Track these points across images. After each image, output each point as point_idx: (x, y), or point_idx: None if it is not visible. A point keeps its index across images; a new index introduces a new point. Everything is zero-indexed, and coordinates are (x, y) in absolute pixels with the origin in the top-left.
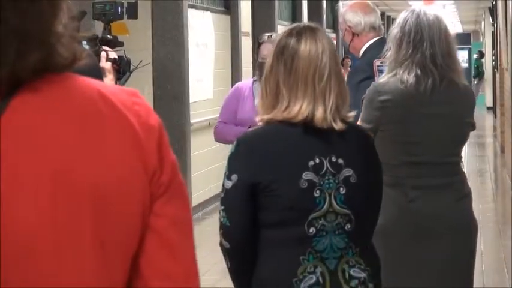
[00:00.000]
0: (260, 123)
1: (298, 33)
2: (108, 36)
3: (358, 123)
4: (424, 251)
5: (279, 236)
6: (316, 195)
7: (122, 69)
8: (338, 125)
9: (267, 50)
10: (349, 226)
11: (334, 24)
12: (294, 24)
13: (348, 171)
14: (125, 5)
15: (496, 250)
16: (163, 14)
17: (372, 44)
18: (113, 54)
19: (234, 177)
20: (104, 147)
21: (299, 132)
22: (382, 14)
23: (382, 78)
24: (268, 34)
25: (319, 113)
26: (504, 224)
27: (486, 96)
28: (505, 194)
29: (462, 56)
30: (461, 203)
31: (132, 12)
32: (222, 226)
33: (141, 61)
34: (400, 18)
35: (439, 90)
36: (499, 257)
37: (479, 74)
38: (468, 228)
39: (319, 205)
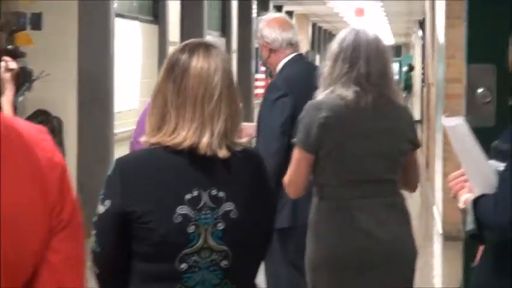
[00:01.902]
0: (145, 145)
1: (191, 49)
2: (9, 46)
3: (296, 143)
4: (369, 278)
5: (149, 270)
6: (190, 230)
7: (23, 79)
8: (223, 153)
9: None
10: (225, 263)
11: None
12: (189, 40)
13: (228, 206)
14: (29, 15)
15: (419, 266)
16: (89, 23)
17: (289, 60)
18: (13, 65)
19: (108, 202)
20: (3, 176)
21: (181, 161)
22: (314, 25)
23: (318, 96)
24: None
25: (205, 139)
26: (425, 240)
27: (415, 109)
28: (428, 209)
29: (393, 68)
30: (406, 227)
31: (36, 23)
32: (92, 251)
33: (42, 71)
34: (340, 35)
35: (379, 106)
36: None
37: (408, 88)
38: (411, 256)
39: (193, 241)
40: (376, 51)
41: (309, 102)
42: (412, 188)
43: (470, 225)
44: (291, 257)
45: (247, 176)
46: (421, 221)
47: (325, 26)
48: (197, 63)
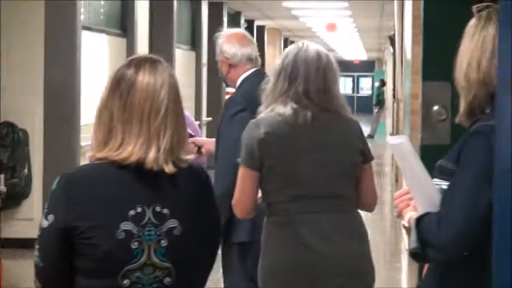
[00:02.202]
0: (92, 161)
1: (137, 64)
2: None
3: (239, 162)
4: None
5: (92, 285)
6: (133, 247)
7: None
8: (169, 168)
9: None
10: (168, 280)
11: None
12: (135, 55)
13: (172, 223)
14: None
15: (386, 281)
16: (56, 35)
17: (248, 75)
18: None
19: (51, 217)
20: None
21: (126, 177)
22: (286, 40)
23: (260, 114)
24: None
25: (151, 154)
26: (392, 255)
27: (387, 124)
28: (396, 225)
29: (366, 83)
30: (356, 242)
31: None
32: (35, 265)
33: None
34: (285, 51)
35: (319, 120)
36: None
37: (380, 103)
38: (364, 272)
39: (136, 257)
40: (315, 69)
41: (250, 121)
42: (368, 208)
43: (413, 244)
44: (249, 272)
45: (192, 193)
46: (388, 237)
47: (297, 40)
48: (143, 78)
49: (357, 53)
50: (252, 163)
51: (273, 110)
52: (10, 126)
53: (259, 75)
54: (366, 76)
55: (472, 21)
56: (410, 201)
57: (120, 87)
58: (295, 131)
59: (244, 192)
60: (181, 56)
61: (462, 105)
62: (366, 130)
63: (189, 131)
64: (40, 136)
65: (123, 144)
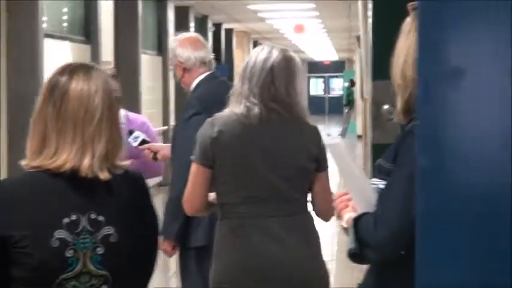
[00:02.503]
0: (27, 169)
1: (71, 71)
2: None
3: (192, 159)
4: None
5: None
6: (68, 255)
7: None
8: (104, 175)
9: None
10: None
11: None
12: (69, 62)
13: (108, 230)
14: None
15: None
16: (18, 43)
17: (202, 79)
18: None
19: None
20: None
21: (61, 185)
22: (255, 43)
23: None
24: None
25: (86, 161)
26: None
27: (357, 124)
28: None
29: (337, 84)
30: (308, 247)
31: None
32: None
33: None
34: (250, 55)
35: (274, 123)
36: None
37: (350, 103)
38: (315, 277)
39: (71, 266)
40: (282, 70)
41: (206, 120)
42: (324, 216)
43: (351, 244)
44: (207, 276)
45: (129, 199)
46: None
47: (266, 42)
48: (77, 85)
49: (327, 53)
50: (205, 160)
51: (230, 110)
52: None
53: (214, 78)
54: (336, 77)
55: (408, 19)
56: (349, 201)
57: (53, 95)
58: (248, 131)
59: (194, 189)
60: (148, 61)
61: (399, 104)
62: (337, 131)
63: (146, 137)
64: (4, 144)
65: (57, 153)
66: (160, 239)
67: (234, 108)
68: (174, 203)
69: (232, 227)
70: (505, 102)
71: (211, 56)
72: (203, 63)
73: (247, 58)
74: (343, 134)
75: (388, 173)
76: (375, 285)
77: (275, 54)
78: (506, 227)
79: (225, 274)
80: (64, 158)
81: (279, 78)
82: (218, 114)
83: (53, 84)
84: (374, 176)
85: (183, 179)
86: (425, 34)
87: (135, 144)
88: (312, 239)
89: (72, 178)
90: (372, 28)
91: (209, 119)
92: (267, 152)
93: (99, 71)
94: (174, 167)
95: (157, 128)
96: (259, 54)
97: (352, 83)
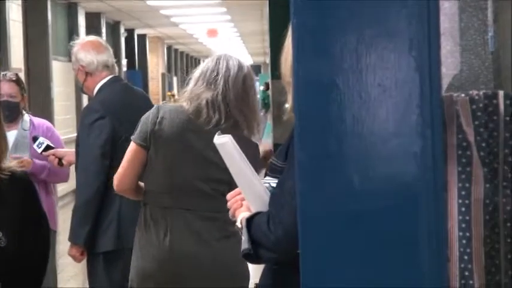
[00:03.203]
0: None
1: None
2: None
3: (132, 139)
4: None
5: None
6: None
7: None
8: None
9: (3, 89)
10: None
11: None
12: None
13: None
14: None
15: None
16: None
17: (105, 82)
18: None
19: None
20: None
21: None
22: (169, 48)
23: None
24: (3, 73)
25: None
26: None
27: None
28: None
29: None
30: (227, 244)
31: None
32: None
33: None
34: (205, 61)
35: (219, 128)
36: None
37: (266, 106)
38: (240, 277)
39: None
40: (235, 77)
41: (154, 106)
42: None
43: (244, 245)
44: (117, 282)
45: (16, 202)
46: None
47: (181, 48)
48: None
49: (242, 58)
50: (142, 141)
51: (180, 103)
52: None
53: (117, 81)
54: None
55: None
56: (243, 201)
57: None
58: (188, 127)
59: (127, 167)
60: (60, 67)
61: (289, 101)
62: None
63: (50, 143)
64: None
65: None
66: (68, 245)
67: (185, 103)
68: (81, 209)
69: (154, 215)
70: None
71: (114, 59)
72: (106, 66)
73: (205, 63)
74: (260, 136)
75: (280, 171)
76: (273, 284)
77: (237, 62)
78: (384, 225)
79: (144, 268)
80: None
81: (243, 90)
82: (167, 104)
83: None
84: (266, 174)
85: (90, 186)
86: (296, 34)
87: (40, 150)
88: (233, 236)
89: None
90: (269, 28)
91: (157, 105)
92: (199, 151)
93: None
94: (79, 173)
95: (68, 135)
96: (221, 60)
97: (267, 87)
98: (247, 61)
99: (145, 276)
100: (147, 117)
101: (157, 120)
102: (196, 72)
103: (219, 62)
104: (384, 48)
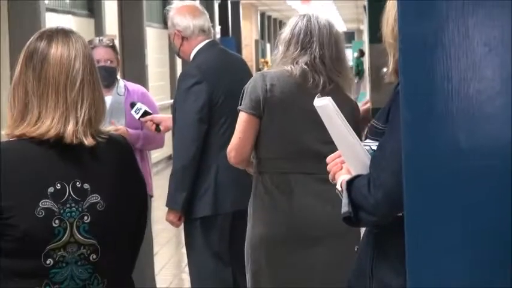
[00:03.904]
0: (9, 138)
1: (49, 36)
2: None
3: (241, 109)
4: (310, 256)
5: (14, 266)
6: (54, 225)
7: None
8: (89, 141)
9: (100, 55)
10: (94, 257)
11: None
12: (47, 28)
13: (94, 198)
14: None
15: None
16: (19, 19)
17: (202, 47)
18: None
19: None
20: None
21: (45, 153)
22: (262, 15)
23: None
24: (99, 38)
25: (70, 126)
26: None
27: (367, 94)
28: None
29: (347, 55)
30: (338, 208)
31: None
32: None
33: None
34: (291, 21)
35: (325, 91)
36: None
37: (360, 73)
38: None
39: (58, 235)
40: (328, 36)
41: (256, 73)
42: None
43: (345, 208)
44: (214, 247)
45: (114, 166)
46: None
47: (274, 14)
48: (56, 50)
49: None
50: (255, 110)
51: (280, 68)
52: None
53: (213, 46)
54: (346, 47)
55: None
56: (342, 164)
57: (32, 60)
58: (301, 92)
59: (243, 138)
60: (153, 34)
61: (390, 63)
62: None
63: (147, 108)
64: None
65: (40, 118)
66: (166, 210)
67: (288, 67)
68: (178, 174)
69: (275, 182)
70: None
71: (210, 23)
72: (202, 31)
73: (293, 25)
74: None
75: (381, 133)
76: (373, 248)
77: (327, 21)
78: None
79: (263, 233)
80: (48, 125)
81: (336, 45)
82: (269, 70)
83: (32, 50)
84: (367, 137)
85: (188, 150)
86: None
87: (137, 116)
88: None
89: (56, 146)
90: None
91: (260, 73)
92: (314, 114)
93: (76, 35)
94: (177, 139)
95: (162, 102)
96: (312, 20)
97: (362, 53)
98: (341, 28)
99: (273, 243)
100: (254, 86)
101: (267, 88)
102: (285, 35)
103: (309, 23)
104: (492, 7)
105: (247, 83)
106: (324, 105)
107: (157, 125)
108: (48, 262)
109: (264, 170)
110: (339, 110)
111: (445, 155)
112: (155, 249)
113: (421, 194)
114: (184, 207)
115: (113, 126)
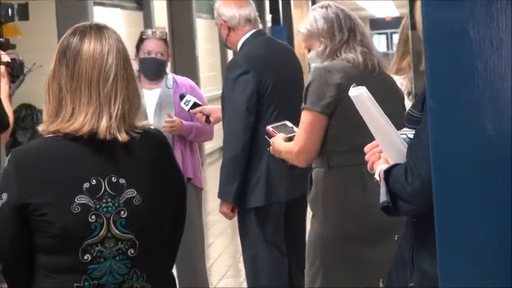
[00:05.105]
0: (45, 134)
1: (82, 32)
2: (0, 39)
3: (307, 108)
4: (386, 252)
5: (52, 262)
6: (91, 220)
7: (15, 72)
8: (122, 136)
9: (151, 46)
10: (132, 251)
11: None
12: (80, 23)
13: (130, 193)
14: (15, 6)
15: None
16: (67, 13)
17: (248, 37)
18: (5, 58)
19: (4, 196)
20: None
21: (79, 149)
22: (314, 3)
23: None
24: (152, 30)
25: (104, 122)
26: None
27: None
28: None
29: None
30: None
31: (23, 13)
32: None
33: (34, 64)
34: (315, 14)
35: (380, 72)
36: None
37: None
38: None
39: (95, 231)
40: (361, 24)
41: (315, 68)
42: None
43: (383, 197)
44: (269, 237)
45: (150, 160)
46: None
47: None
48: (89, 45)
49: (387, 10)
50: (325, 108)
51: (337, 58)
52: (28, 107)
53: (260, 35)
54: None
55: None
56: (380, 153)
57: (66, 56)
58: (365, 77)
59: (311, 139)
60: (203, 25)
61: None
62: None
63: (197, 100)
64: None
65: (74, 114)
66: (220, 201)
67: (347, 55)
68: (229, 165)
69: (349, 176)
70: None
71: (256, 13)
72: (248, 20)
73: (325, 14)
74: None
75: (417, 121)
76: (413, 237)
77: (348, 11)
78: None
79: (337, 230)
80: (81, 121)
81: (366, 35)
82: (329, 64)
83: (65, 46)
84: (404, 125)
85: (238, 140)
86: None
87: (187, 108)
88: None
89: (91, 141)
90: None
91: (321, 67)
92: (382, 104)
93: (110, 30)
94: (226, 130)
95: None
96: (339, 8)
97: None
98: (393, 13)
99: (347, 240)
100: (322, 82)
101: (339, 82)
102: (321, 26)
103: (338, 10)
104: None
105: (310, 80)
106: (359, 94)
107: (207, 116)
108: (86, 258)
109: (334, 164)
110: (373, 99)
111: (472, 144)
112: (210, 240)
113: (449, 184)
114: (236, 198)
115: (167, 117)
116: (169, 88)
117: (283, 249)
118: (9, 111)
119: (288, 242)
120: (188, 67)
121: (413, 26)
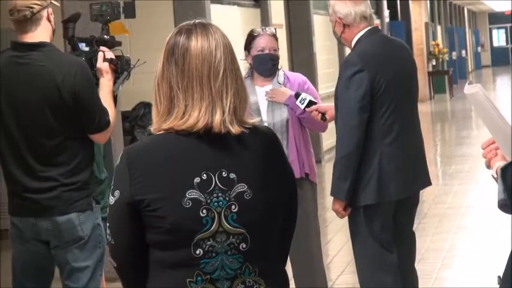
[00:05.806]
0: (157, 133)
1: (188, 30)
2: (106, 36)
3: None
4: None
5: (165, 257)
6: (202, 214)
7: (120, 68)
8: (235, 129)
9: (264, 43)
10: (244, 246)
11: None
12: (184, 22)
13: (241, 187)
14: (122, 4)
15: None
16: (184, 11)
17: (363, 34)
18: (110, 55)
19: (117, 193)
20: None
21: (189, 145)
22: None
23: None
24: (262, 27)
25: (218, 116)
26: None
27: None
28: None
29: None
30: None
31: (130, 11)
32: (109, 244)
33: (138, 60)
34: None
35: None
36: None
37: None
38: None
39: (206, 225)
40: None
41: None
42: None
43: (500, 195)
44: (377, 235)
45: (260, 155)
46: None
47: None
48: (196, 42)
49: (507, 3)
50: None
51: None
52: (147, 106)
53: (375, 33)
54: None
55: None
56: (497, 150)
57: (174, 55)
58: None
59: None
60: (320, 21)
61: None
62: None
63: (312, 98)
64: None
65: (187, 111)
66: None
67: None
68: (342, 163)
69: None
70: None
71: (372, 10)
72: (364, 17)
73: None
74: None
75: None
76: None
77: None
78: None
79: None
80: (195, 117)
81: None
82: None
83: (172, 45)
84: None
85: (351, 138)
86: None
87: (302, 106)
88: None
89: (203, 136)
90: None
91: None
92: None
93: (214, 26)
94: (339, 127)
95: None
96: None
97: None
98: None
99: None
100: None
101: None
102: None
103: None
104: None
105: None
106: (474, 92)
107: (323, 114)
108: (197, 252)
109: None
110: (488, 96)
111: None
112: (328, 236)
113: None
114: (348, 196)
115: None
116: (280, 84)
117: (390, 247)
118: (110, 108)
119: (396, 241)
120: (306, 64)
121: None
